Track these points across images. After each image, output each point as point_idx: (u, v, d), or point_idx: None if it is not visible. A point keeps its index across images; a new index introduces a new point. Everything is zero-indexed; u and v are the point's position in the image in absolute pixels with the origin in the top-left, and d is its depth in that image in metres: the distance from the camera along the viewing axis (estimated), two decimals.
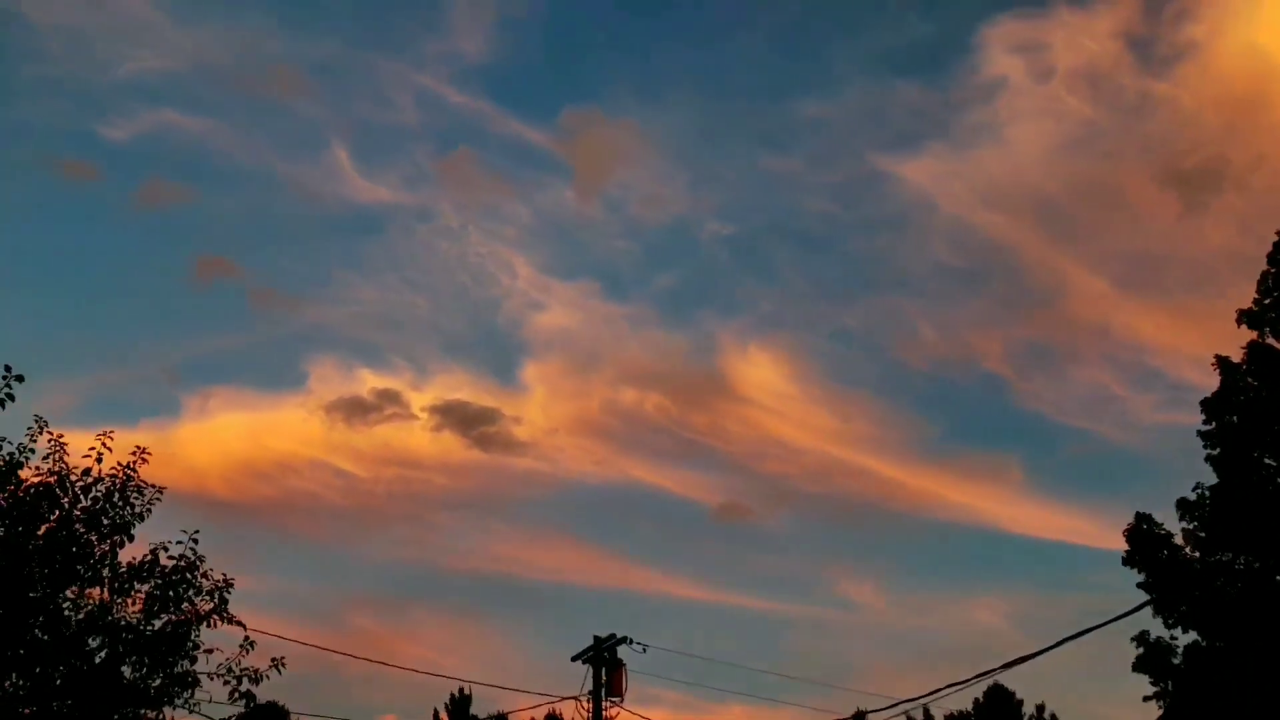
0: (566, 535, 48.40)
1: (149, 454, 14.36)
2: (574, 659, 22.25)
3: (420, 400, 44.86)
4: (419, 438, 45.64)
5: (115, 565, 13.94)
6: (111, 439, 14.17)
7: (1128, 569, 21.66)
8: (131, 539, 14.04)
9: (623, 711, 21.94)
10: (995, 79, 53.31)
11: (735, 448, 52.17)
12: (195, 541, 14.35)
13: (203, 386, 46.50)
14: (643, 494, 50.16)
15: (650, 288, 55.33)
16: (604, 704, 21.69)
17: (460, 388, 47.10)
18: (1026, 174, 55.21)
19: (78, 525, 13.71)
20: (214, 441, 45.50)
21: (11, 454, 13.51)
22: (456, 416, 45.62)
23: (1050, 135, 55.10)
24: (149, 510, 14.24)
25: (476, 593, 45.09)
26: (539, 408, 49.17)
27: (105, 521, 13.91)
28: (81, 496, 13.88)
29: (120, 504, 14.00)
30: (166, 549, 14.27)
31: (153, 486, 14.32)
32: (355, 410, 43.22)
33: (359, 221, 52.29)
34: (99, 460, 14.00)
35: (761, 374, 52.57)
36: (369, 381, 44.48)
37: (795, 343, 54.13)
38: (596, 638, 22.16)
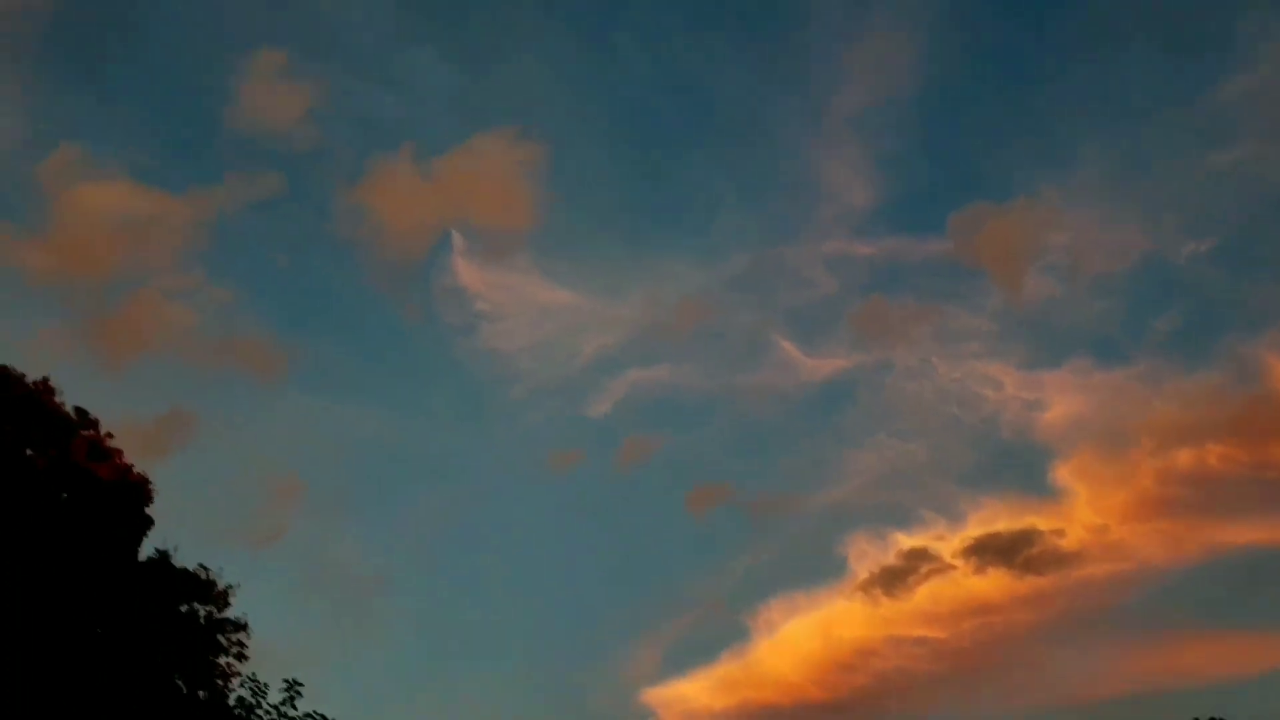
0: (1183, 629, 45.17)
1: None
2: None
3: (949, 548, 44.65)
4: (969, 583, 44.62)
5: None
6: None
7: None
8: None
9: None
10: None
11: None
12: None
13: (759, 604, 48.24)
14: (1242, 556, 45.75)
15: (1149, 337, 52.09)
16: None
17: (992, 519, 45.86)
18: None
19: None
20: (790, 650, 46.44)
21: None
22: (991, 551, 44.84)
23: None
24: None
25: None
26: (1084, 506, 46.85)
27: None
28: None
29: None
30: None
31: None
32: (893, 579, 43.62)
33: (824, 398, 54.06)
34: None
35: None
36: (901, 543, 44.71)
37: None
38: None
